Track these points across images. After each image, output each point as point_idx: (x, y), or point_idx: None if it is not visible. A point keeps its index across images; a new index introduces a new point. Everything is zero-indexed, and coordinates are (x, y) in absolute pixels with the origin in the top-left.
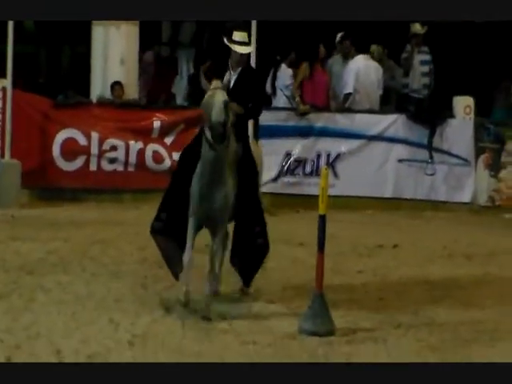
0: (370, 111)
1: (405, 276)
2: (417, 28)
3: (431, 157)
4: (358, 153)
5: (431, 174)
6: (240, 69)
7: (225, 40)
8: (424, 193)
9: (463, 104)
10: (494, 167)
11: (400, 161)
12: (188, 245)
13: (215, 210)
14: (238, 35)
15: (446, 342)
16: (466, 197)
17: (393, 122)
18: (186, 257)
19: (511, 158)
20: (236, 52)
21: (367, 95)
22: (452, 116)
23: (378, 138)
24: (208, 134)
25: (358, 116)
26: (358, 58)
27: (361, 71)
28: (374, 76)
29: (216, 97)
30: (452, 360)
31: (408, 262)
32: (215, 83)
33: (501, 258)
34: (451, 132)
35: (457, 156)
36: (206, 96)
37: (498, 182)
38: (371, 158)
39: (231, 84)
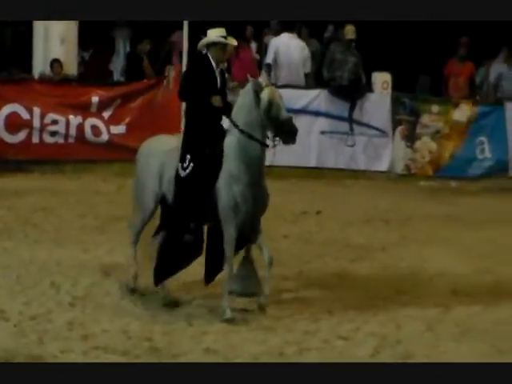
0: (294, 86)
1: (327, 240)
2: (350, 31)
3: (351, 129)
4: None
5: (351, 145)
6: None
7: (208, 41)
8: (345, 162)
9: (381, 79)
10: (410, 138)
11: (322, 133)
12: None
13: (261, 209)
14: (218, 31)
15: (364, 301)
16: (383, 166)
17: (316, 97)
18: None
19: (426, 130)
20: (225, 46)
21: (290, 71)
22: (371, 91)
23: (302, 111)
24: (271, 132)
25: (283, 91)
26: (282, 35)
27: (281, 47)
28: (296, 53)
29: (276, 95)
30: (371, 315)
31: (330, 227)
32: (264, 79)
33: (416, 223)
34: (370, 106)
35: (375, 128)
36: (259, 94)
37: (414, 152)
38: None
39: (219, 79)
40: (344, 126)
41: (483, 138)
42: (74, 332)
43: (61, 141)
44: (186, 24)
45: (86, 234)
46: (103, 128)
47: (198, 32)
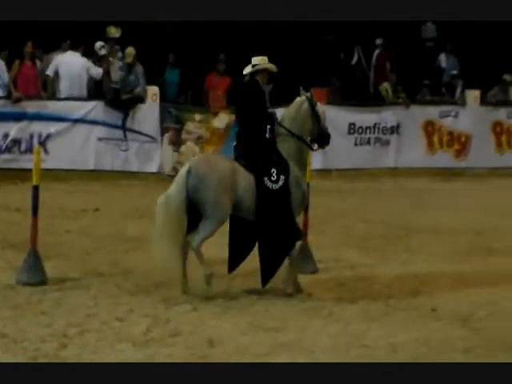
0: (75, 98)
1: (105, 233)
2: (112, 31)
3: (125, 136)
4: (65, 133)
5: (125, 150)
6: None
7: (259, 68)
8: (120, 165)
9: (151, 92)
10: (176, 143)
11: (100, 139)
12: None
13: None
14: (263, 59)
15: (139, 286)
16: (154, 167)
17: (93, 108)
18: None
19: (190, 136)
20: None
21: (71, 84)
22: (142, 102)
23: (81, 120)
24: (316, 138)
25: (64, 102)
26: (67, 53)
27: (63, 63)
28: (78, 69)
29: (319, 105)
30: (143, 297)
31: (108, 222)
32: (303, 92)
33: None
34: (141, 115)
35: (146, 135)
36: (315, 107)
37: (180, 155)
38: (76, 137)
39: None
40: (119, 134)
41: None
42: None
43: None
44: None
45: None
46: None
47: None
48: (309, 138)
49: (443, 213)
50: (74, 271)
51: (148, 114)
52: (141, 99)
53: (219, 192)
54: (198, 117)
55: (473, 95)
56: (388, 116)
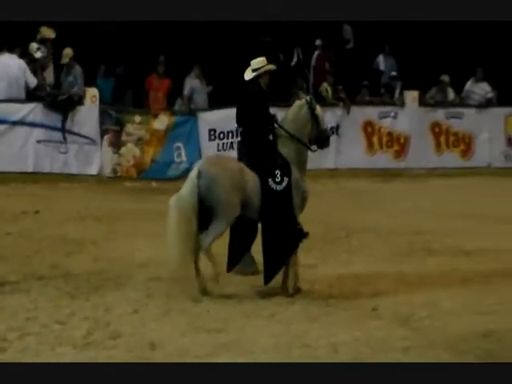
0: (13, 100)
1: (45, 236)
2: (45, 32)
3: (64, 138)
4: (3, 135)
5: (65, 152)
6: None
7: (261, 71)
8: (59, 167)
9: (91, 94)
10: (116, 145)
11: (39, 141)
12: None
13: None
14: (263, 61)
15: (80, 289)
16: (94, 170)
17: (32, 110)
18: None
19: (130, 138)
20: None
21: (9, 86)
22: (81, 104)
23: (20, 122)
24: (314, 140)
25: (2, 104)
26: (4, 55)
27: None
28: (15, 71)
29: (318, 108)
30: (84, 300)
31: (48, 225)
32: (303, 95)
33: (124, 219)
34: (80, 117)
35: (85, 137)
36: (314, 110)
37: (120, 156)
38: (14, 139)
39: None
40: (58, 136)
41: (180, 144)
42: None
43: None
44: None
45: None
46: None
47: None
48: (307, 140)
49: (383, 213)
50: (13, 274)
51: (87, 116)
52: (78, 99)
53: (230, 191)
54: (137, 118)
55: (411, 96)
56: (327, 117)
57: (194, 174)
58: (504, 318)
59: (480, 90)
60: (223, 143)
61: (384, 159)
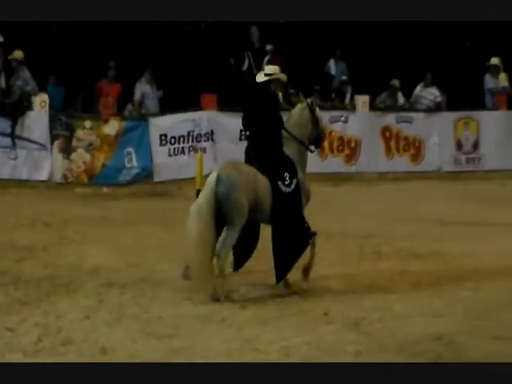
0: None
1: None
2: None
3: (14, 143)
4: None
5: (14, 158)
6: None
7: (274, 78)
8: (9, 173)
9: (40, 99)
10: (67, 151)
11: None
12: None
13: None
14: (275, 68)
15: (30, 295)
16: (44, 175)
17: None
18: None
19: (80, 143)
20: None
21: None
22: (31, 109)
23: None
24: (313, 141)
25: None
26: None
27: None
28: None
29: (318, 110)
30: (34, 307)
31: None
32: (302, 98)
33: (74, 225)
34: (30, 123)
35: (35, 142)
36: (315, 113)
37: (70, 162)
38: None
39: None
40: (7, 141)
41: (130, 149)
42: None
43: None
44: None
45: None
46: None
47: None
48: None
49: (334, 217)
50: None
51: (37, 122)
52: (28, 103)
53: (246, 196)
54: (88, 124)
55: (362, 100)
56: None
57: (212, 178)
58: (454, 320)
59: (429, 94)
60: (174, 148)
61: (335, 163)
